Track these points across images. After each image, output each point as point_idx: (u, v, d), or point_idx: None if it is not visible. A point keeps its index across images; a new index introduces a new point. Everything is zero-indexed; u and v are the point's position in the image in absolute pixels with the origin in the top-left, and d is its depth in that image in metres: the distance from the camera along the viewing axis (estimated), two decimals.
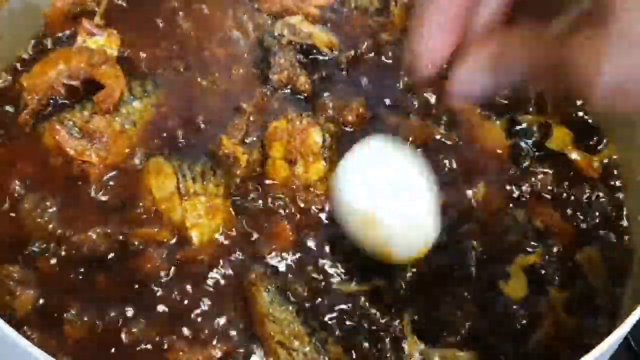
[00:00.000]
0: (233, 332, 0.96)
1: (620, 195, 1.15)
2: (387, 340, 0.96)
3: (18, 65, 1.20)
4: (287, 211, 1.07)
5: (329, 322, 0.98)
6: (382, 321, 0.98)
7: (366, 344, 0.96)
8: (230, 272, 1.01)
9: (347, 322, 0.98)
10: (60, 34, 1.23)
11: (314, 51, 1.25)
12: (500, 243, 1.06)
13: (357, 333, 0.97)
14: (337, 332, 0.97)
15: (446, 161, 1.14)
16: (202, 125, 1.15)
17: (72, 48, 1.17)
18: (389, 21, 1.33)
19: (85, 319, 0.94)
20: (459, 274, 1.03)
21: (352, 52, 1.26)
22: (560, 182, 1.14)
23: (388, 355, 0.95)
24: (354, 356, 0.95)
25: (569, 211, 1.12)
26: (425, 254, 0.95)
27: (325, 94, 1.20)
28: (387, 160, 0.93)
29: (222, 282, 1.00)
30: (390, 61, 1.27)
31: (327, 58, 1.25)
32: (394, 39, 1.30)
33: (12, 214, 1.03)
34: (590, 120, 1.22)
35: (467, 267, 1.03)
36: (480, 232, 1.07)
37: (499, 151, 1.16)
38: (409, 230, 0.92)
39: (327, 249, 1.04)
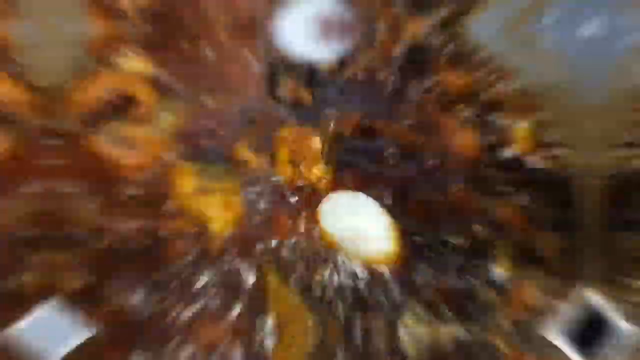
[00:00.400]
0: (245, 313, 1.08)
1: None
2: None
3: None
4: (291, 210, 1.18)
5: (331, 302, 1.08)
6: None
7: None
8: (242, 258, 1.12)
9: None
10: (101, 57, 1.28)
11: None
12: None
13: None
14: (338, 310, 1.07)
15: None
16: (220, 135, 1.24)
17: (112, 70, 1.26)
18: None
19: (121, 300, 1.07)
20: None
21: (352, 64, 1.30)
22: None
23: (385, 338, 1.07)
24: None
25: None
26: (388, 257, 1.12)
27: (325, 108, 1.26)
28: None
29: (235, 266, 1.11)
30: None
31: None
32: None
33: (59, 212, 1.12)
34: None
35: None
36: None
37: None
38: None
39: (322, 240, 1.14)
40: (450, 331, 1.06)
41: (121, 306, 1.06)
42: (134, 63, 1.27)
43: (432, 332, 1.05)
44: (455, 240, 1.13)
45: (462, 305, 1.08)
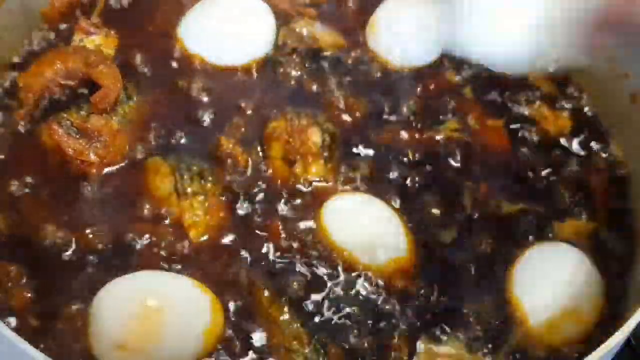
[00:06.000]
0: (231, 332, 0.96)
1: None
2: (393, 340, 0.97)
3: (16, 64, 1.20)
4: (285, 212, 1.08)
5: (329, 323, 0.98)
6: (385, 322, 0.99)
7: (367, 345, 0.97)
8: (228, 271, 1.02)
9: (349, 323, 0.99)
10: (57, 34, 1.23)
11: (321, 53, 1.26)
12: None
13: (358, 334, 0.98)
14: (338, 334, 0.97)
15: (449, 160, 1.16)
16: (201, 125, 1.16)
17: (68, 47, 1.17)
18: None
19: (83, 317, 0.94)
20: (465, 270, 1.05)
21: (359, 51, 1.28)
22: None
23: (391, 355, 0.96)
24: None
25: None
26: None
27: (328, 93, 1.22)
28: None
29: (221, 281, 1.00)
30: None
31: (333, 57, 1.27)
32: None
33: (11, 213, 1.03)
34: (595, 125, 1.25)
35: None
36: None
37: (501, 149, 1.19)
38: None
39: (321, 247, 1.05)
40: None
41: (83, 329, 0.94)
42: (95, 40, 1.19)
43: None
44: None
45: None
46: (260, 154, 1.12)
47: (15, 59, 1.21)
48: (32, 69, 1.13)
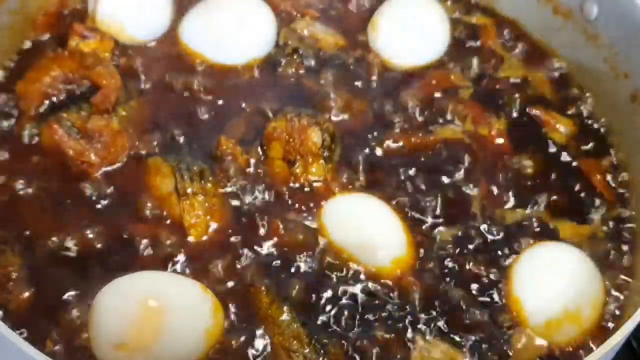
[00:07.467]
0: (231, 332, 0.96)
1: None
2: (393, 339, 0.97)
3: (14, 66, 1.21)
4: (285, 212, 1.07)
5: (329, 323, 0.98)
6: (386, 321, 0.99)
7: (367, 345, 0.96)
8: (228, 271, 1.01)
9: (348, 323, 0.98)
10: (52, 38, 1.23)
11: (321, 53, 1.27)
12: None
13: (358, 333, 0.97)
14: (337, 333, 0.97)
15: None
16: (201, 124, 1.15)
17: (64, 52, 1.17)
18: None
19: (82, 317, 0.94)
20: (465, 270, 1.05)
21: (359, 51, 1.28)
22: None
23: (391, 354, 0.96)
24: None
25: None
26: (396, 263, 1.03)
27: (328, 93, 1.21)
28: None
29: (221, 281, 1.00)
30: None
31: (334, 57, 1.27)
32: None
33: (12, 214, 1.03)
34: (596, 125, 1.25)
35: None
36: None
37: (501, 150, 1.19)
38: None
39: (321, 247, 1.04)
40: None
41: (81, 329, 0.93)
42: (91, 43, 1.19)
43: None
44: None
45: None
46: (260, 154, 1.12)
47: (11, 64, 1.21)
48: (28, 76, 1.14)
